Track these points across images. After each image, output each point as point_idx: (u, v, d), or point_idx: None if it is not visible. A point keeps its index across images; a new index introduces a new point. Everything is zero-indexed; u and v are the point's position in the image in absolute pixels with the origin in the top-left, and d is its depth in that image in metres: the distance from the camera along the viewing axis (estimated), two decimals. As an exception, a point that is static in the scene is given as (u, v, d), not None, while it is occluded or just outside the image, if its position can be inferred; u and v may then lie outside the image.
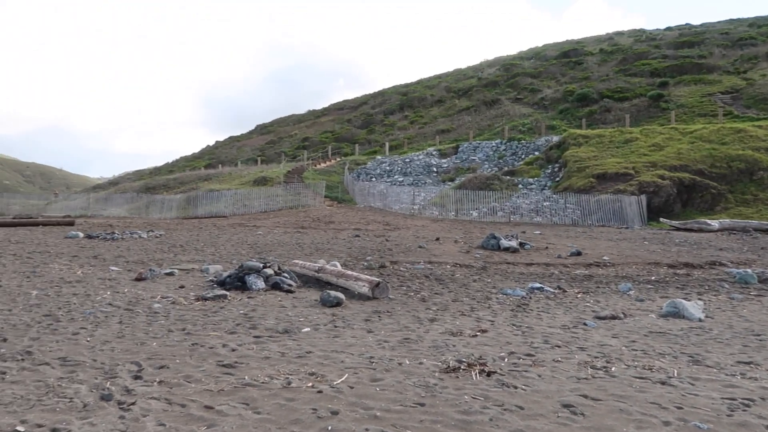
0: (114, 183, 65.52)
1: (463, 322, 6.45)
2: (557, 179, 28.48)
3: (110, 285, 8.53)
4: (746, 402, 3.80)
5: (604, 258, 12.50)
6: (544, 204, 24.70)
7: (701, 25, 62.35)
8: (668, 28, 64.48)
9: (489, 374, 4.33)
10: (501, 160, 33.80)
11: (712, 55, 44.80)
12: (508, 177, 29.90)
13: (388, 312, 6.98)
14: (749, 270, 10.32)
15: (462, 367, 4.48)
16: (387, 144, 43.24)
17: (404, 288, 8.82)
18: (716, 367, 4.69)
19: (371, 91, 77.27)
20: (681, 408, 3.67)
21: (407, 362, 4.68)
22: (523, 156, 33.32)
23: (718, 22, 61.83)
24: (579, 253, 13.02)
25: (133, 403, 3.62)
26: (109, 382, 4.02)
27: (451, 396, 3.83)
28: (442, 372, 4.40)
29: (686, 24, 65.39)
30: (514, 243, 13.74)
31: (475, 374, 4.32)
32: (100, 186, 69.89)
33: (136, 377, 4.17)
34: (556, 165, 30.08)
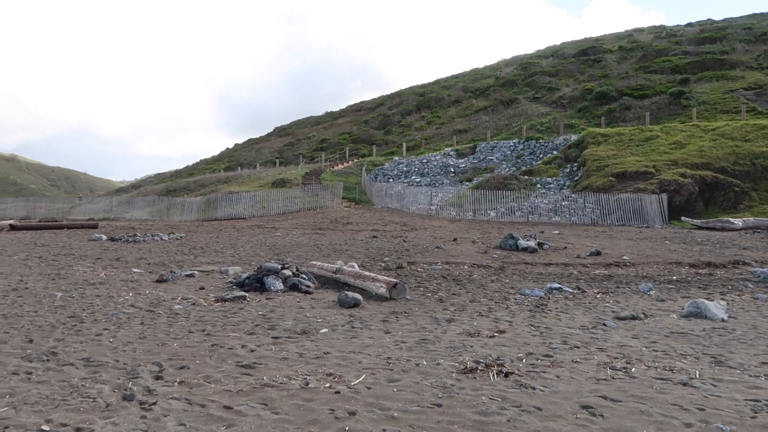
0: (136, 186, 66.58)
1: (481, 323, 6.43)
2: (576, 178, 28.21)
3: (132, 287, 8.67)
4: (770, 404, 3.74)
5: (624, 258, 12.35)
6: (563, 203, 24.48)
7: (723, 20, 61.32)
8: (689, 24, 63.53)
9: (507, 375, 4.31)
10: (519, 160, 33.60)
11: (734, 50, 43.97)
12: (526, 177, 29.71)
13: (405, 313, 6.99)
14: (774, 269, 10.12)
15: (479, 367, 4.47)
16: (404, 145, 43.23)
17: (422, 289, 8.81)
18: (739, 368, 4.61)
19: (388, 92, 77.48)
20: (703, 409, 3.62)
21: (424, 363, 4.68)
22: (541, 155, 33.08)
23: (741, 17, 60.74)
24: (598, 253, 12.88)
25: (154, 403, 3.68)
26: (131, 383, 4.09)
27: (469, 397, 3.83)
28: (459, 373, 4.39)
29: (707, 19, 64.35)
30: (532, 243, 13.66)
31: (493, 375, 4.31)
32: (122, 189, 71.00)
33: (157, 378, 4.24)
34: (575, 164, 29.79)
